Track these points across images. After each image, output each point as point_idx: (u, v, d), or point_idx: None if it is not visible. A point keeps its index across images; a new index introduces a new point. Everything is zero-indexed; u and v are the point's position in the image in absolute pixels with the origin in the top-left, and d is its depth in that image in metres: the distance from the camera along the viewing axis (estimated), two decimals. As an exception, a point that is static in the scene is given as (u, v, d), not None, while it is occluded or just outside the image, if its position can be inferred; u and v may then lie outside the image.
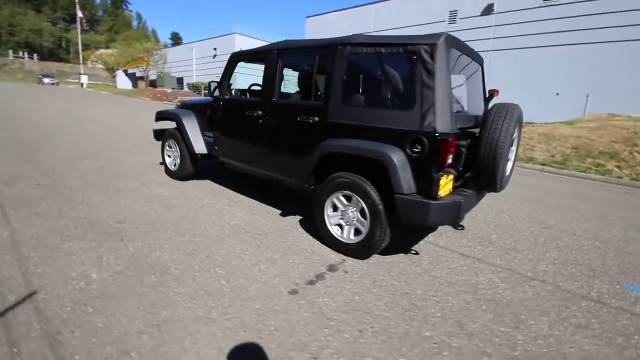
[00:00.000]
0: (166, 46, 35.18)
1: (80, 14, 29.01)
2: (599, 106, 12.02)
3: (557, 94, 13.85)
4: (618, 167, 8.28)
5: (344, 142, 2.60)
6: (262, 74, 3.26)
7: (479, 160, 2.47)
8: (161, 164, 5.44)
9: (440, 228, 3.51)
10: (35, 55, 51.50)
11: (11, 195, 3.61)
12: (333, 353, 1.73)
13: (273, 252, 2.77)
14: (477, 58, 3.03)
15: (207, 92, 31.09)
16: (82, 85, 29.59)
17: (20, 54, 50.22)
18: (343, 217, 2.77)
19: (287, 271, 2.48)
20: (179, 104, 4.81)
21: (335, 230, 2.82)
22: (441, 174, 2.23)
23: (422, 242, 3.20)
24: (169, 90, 29.04)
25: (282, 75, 3.22)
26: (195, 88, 30.83)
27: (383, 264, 2.70)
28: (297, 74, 3.65)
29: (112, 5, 67.04)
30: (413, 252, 2.96)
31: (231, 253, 2.69)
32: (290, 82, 4.41)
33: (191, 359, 1.63)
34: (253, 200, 4.01)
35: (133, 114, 14.14)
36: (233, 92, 3.87)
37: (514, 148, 2.88)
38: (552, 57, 13.63)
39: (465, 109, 2.83)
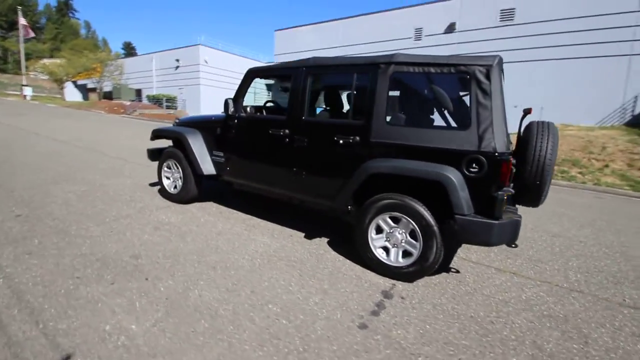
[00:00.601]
0: (118, 55, 33.17)
1: (23, 21, 26.39)
2: (551, 117, 13.22)
3: (515, 106, 15.03)
4: (580, 173, 9.10)
5: (394, 162, 2.53)
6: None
7: (524, 177, 2.51)
8: (152, 185, 5.01)
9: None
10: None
11: (-14, 230, 3.06)
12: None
13: (318, 280, 2.58)
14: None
15: (169, 104, 29.61)
16: (25, 97, 26.78)
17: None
18: (389, 239, 2.67)
19: (344, 302, 2.32)
20: (177, 121, 4.45)
21: (379, 253, 2.71)
22: (503, 193, 2.24)
23: (455, 259, 3.19)
24: (127, 103, 27.33)
25: (312, 93, 3.09)
26: (155, 100, 29.35)
27: (432, 286, 2.63)
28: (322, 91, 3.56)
29: (56, 13, 62.25)
30: (453, 270, 2.93)
31: (276, 285, 2.46)
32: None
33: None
34: (269, 223, 3.78)
35: (91, 129, 13.03)
36: (248, 109, 3.65)
37: None
38: (510, 72, 14.80)
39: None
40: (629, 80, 12.48)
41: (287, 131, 3.12)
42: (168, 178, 4.32)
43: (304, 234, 3.52)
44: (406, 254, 2.62)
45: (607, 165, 9.15)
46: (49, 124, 12.85)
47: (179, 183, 4.18)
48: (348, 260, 2.95)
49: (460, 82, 2.37)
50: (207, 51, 28.07)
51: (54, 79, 29.64)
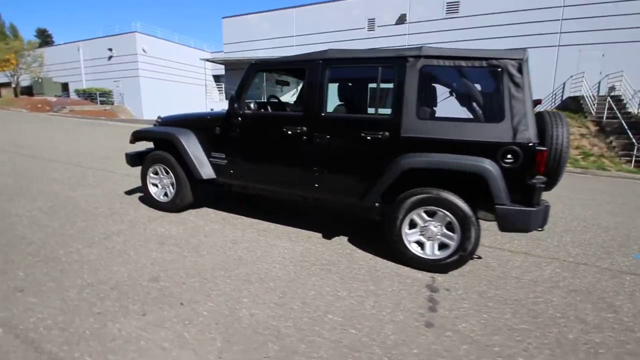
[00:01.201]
0: (35, 45, 28.82)
1: None
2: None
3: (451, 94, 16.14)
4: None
5: (430, 156, 2.52)
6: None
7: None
8: (128, 193, 4.48)
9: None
10: None
11: (-56, 267, 2.46)
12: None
13: (361, 282, 2.52)
14: None
15: (103, 99, 26.76)
16: None
17: None
18: (423, 233, 2.69)
19: (398, 301, 2.29)
20: (159, 120, 3.98)
21: (414, 248, 2.73)
22: (539, 181, 2.36)
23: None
24: (53, 99, 24.07)
25: (330, 88, 2.94)
26: (87, 95, 26.26)
27: (465, 275, 2.72)
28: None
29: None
30: (476, 256, 3.07)
31: (323, 293, 2.35)
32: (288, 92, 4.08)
33: None
34: (280, 226, 3.59)
35: (21, 130, 11.26)
36: (252, 105, 3.37)
37: None
38: (457, 62, 15.81)
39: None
40: (558, 69, 14.08)
41: (304, 128, 2.95)
42: (155, 185, 3.88)
43: (321, 235, 3.41)
44: (441, 246, 2.67)
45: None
46: (-39, 128, 10.82)
47: (171, 190, 3.77)
48: (378, 258, 2.93)
49: (492, 75, 2.43)
50: (145, 39, 25.66)
51: (-47, 72, 24.90)
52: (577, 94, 13.51)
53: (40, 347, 1.73)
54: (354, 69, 2.89)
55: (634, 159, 10.36)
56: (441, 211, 2.57)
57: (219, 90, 23.50)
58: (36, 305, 2.06)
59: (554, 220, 4.23)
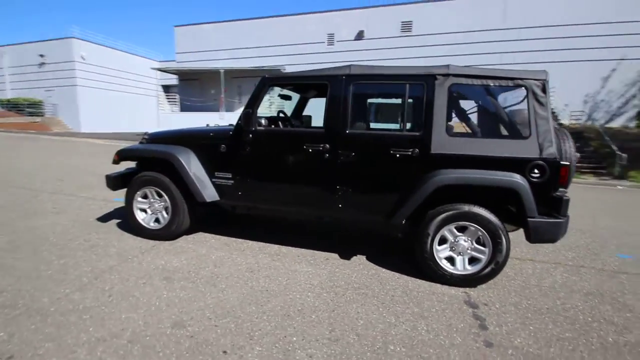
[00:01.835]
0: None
1: None
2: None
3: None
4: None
5: (463, 173, 2.54)
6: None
7: None
8: (101, 220, 3.94)
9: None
10: None
11: None
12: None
13: (403, 305, 2.43)
14: None
15: (32, 110, 23.96)
16: None
17: None
18: (454, 249, 2.70)
19: (448, 323, 2.23)
20: (146, 137, 3.54)
21: (445, 264, 2.71)
22: (565, 193, 2.50)
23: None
24: (-33, 110, 20.73)
25: (354, 104, 2.85)
26: (12, 105, 23.12)
27: (493, 287, 2.77)
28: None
29: None
30: (492, 266, 3.15)
31: (372, 321, 2.20)
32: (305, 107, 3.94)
33: None
34: (291, 248, 3.37)
35: None
36: (263, 121, 3.14)
37: None
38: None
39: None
40: (500, 85, 15.58)
41: (327, 146, 2.82)
42: (144, 210, 3.42)
43: (337, 255, 3.26)
44: (471, 260, 2.69)
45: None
46: None
47: (164, 215, 3.36)
48: (406, 276, 2.87)
49: (518, 94, 2.55)
50: (84, 46, 23.40)
51: None
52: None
53: None
54: (378, 86, 2.84)
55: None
56: (473, 226, 2.60)
57: (168, 101, 22.21)
58: (41, 375, 1.64)
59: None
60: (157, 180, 3.28)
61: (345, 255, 3.26)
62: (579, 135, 12.60)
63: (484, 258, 2.63)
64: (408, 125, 2.72)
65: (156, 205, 3.37)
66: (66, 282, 2.50)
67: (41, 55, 23.04)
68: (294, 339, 1.99)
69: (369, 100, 3.20)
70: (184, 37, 20.15)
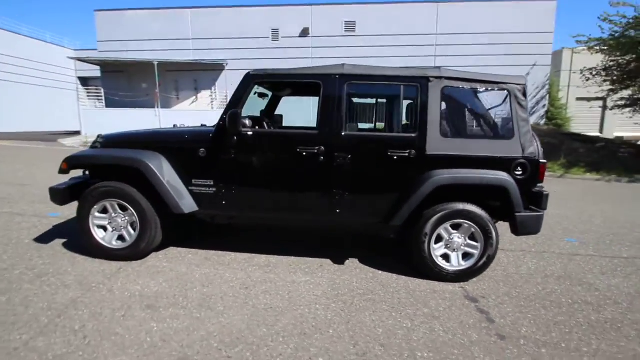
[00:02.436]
0: None
1: None
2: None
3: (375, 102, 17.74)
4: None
5: (457, 172, 2.63)
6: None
7: None
8: (39, 241, 3.30)
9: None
10: None
11: None
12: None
13: (411, 306, 2.43)
14: None
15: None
16: None
17: None
18: (449, 246, 2.79)
19: (458, 320, 2.28)
20: (100, 140, 2.99)
21: (441, 262, 2.80)
22: (541, 189, 2.73)
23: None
24: None
25: (349, 105, 2.74)
26: None
27: (487, 280, 2.90)
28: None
29: None
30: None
31: (390, 328, 2.16)
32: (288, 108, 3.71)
33: None
34: (280, 257, 3.17)
35: None
36: (247, 122, 2.85)
37: None
38: (357, 76, 17.27)
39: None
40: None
41: (322, 148, 2.69)
42: (104, 228, 2.91)
43: (329, 260, 3.16)
44: (465, 256, 2.81)
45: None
46: None
47: (130, 232, 2.89)
48: (403, 276, 2.89)
49: (502, 97, 2.71)
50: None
51: None
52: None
53: None
54: (375, 87, 2.78)
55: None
56: (467, 223, 2.72)
57: (90, 96, 19.63)
58: None
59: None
60: (121, 191, 2.80)
61: (338, 260, 3.18)
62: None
63: (476, 253, 2.77)
64: (403, 127, 2.72)
65: (119, 221, 2.89)
66: (20, 326, 1.99)
67: None
68: (320, 359, 1.85)
69: (363, 101, 3.14)
70: (108, 23, 17.87)
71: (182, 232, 3.34)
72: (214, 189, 2.85)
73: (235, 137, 2.75)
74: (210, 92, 18.64)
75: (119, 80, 18.06)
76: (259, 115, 3.75)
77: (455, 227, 2.77)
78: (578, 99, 18.18)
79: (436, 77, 2.64)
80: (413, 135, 2.69)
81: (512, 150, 2.69)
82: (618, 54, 11.68)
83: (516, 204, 2.64)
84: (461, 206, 2.69)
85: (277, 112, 4.11)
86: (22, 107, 21.03)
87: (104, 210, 2.89)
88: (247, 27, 17.37)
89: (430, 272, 2.80)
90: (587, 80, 13.24)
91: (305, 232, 3.91)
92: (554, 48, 17.09)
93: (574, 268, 3.27)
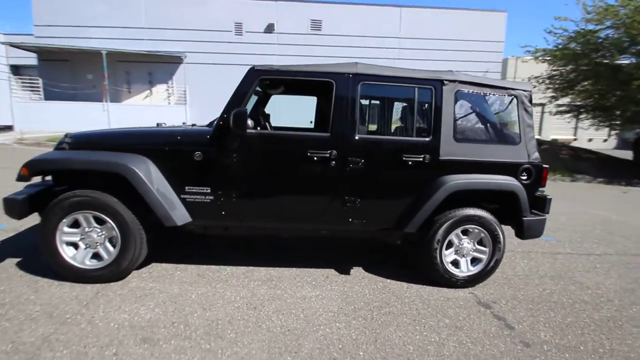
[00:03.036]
0: None
1: None
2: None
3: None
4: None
5: (470, 178, 2.60)
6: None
7: None
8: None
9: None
10: None
11: None
12: None
13: (432, 317, 2.34)
14: None
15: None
16: None
17: None
18: (458, 252, 2.76)
19: (481, 329, 2.24)
20: (68, 140, 2.50)
21: (452, 268, 2.76)
22: (542, 193, 2.81)
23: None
24: None
25: (363, 106, 2.58)
26: None
27: (491, 284, 2.92)
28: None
29: None
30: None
31: (419, 344, 2.04)
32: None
33: None
34: (280, 269, 2.93)
35: None
36: (250, 123, 2.56)
37: None
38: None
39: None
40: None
41: (334, 152, 2.50)
42: (74, 245, 2.45)
43: (334, 270, 2.99)
44: (474, 260, 2.81)
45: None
46: None
47: (108, 248, 2.47)
48: (413, 284, 2.81)
49: (510, 103, 2.73)
50: None
51: None
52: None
53: None
54: (385, 87, 2.65)
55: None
56: (477, 228, 2.71)
57: (24, 86, 17.35)
58: None
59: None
60: (99, 201, 2.37)
61: (342, 269, 3.01)
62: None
63: (484, 258, 2.77)
64: (417, 131, 2.63)
65: (94, 236, 2.45)
66: (-24, 381, 1.56)
67: None
68: (360, 388, 1.68)
69: (376, 103, 3.00)
70: (47, 4, 15.87)
71: (161, 243, 2.96)
72: (211, 197, 2.53)
73: (239, 139, 2.46)
74: (166, 86, 17.41)
75: (61, 70, 16.16)
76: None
77: (465, 232, 2.75)
78: (523, 104, 19.93)
79: (450, 81, 2.59)
80: (427, 139, 2.61)
81: (519, 156, 2.73)
82: (561, 63, 12.90)
83: (524, 209, 2.68)
84: (472, 211, 2.67)
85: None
86: None
87: (75, 224, 2.43)
88: (209, 19, 16.48)
89: (441, 279, 2.75)
90: (534, 87, 14.48)
91: (298, 239, 3.69)
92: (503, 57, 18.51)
93: (561, 267, 3.44)
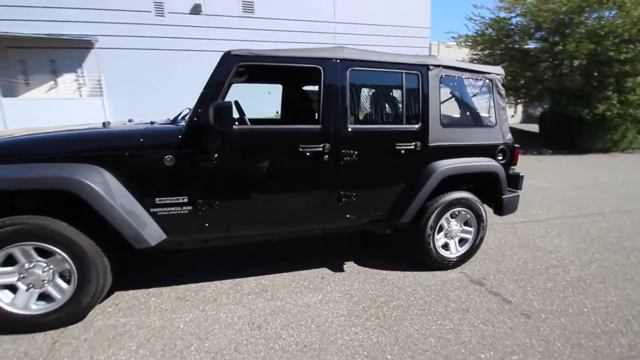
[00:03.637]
0: None
1: None
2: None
3: (269, 92, 17.16)
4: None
5: (457, 162, 2.63)
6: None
7: None
8: None
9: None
10: None
11: None
12: None
13: (438, 303, 2.36)
14: None
15: None
16: None
17: None
18: (447, 235, 2.82)
19: (485, 308, 2.32)
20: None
21: (443, 251, 2.81)
22: (513, 171, 2.99)
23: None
24: None
25: (353, 95, 2.38)
26: None
27: (474, 259, 3.02)
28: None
29: None
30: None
31: (436, 334, 2.02)
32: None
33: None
34: (269, 277, 2.68)
35: None
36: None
37: None
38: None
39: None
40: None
41: (327, 145, 2.30)
42: (11, 287, 1.88)
43: (328, 269, 2.84)
44: (461, 241, 2.90)
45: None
46: None
47: (60, 285, 1.95)
48: (409, 272, 2.80)
49: (487, 87, 2.79)
50: None
51: None
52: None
53: None
54: (372, 73, 2.48)
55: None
56: (464, 210, 2.78)
57: None
58: None
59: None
60: (40, 229, 1.83)
61: (335, 266, 2.88)
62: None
63: (470, 237, 2.88)
64: (407, 118, 2.56)
65: (39, 273, 1.91)
66: None
67: None
68: (402, 396, 1.59)
69: (364, 90, 2.81)
70: None
71: (126, 267, 2.49)
72: (189, 208, 2.15)
73: (220, 137, 2.10)
74: (75, 75, 14.97)
75: None
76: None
77: (452, 215, 2.81)
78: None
79: (435, 66, 2.55)
80: (416, 126, 2.56)
81: (496, 137, 2.85)
82: (479, 48, 14.21)
83: (503, 188, 2.83)
84: (460, 194, 2.73)
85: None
86: None
87: (10, 261, 1.86)
88: (122, -2, 14.44)
89: (435, 263, 2.79)
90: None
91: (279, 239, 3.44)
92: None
93: (522, 235, 3.77)
